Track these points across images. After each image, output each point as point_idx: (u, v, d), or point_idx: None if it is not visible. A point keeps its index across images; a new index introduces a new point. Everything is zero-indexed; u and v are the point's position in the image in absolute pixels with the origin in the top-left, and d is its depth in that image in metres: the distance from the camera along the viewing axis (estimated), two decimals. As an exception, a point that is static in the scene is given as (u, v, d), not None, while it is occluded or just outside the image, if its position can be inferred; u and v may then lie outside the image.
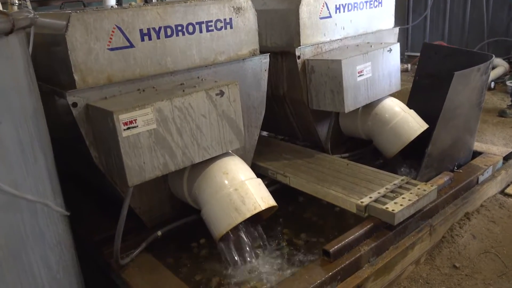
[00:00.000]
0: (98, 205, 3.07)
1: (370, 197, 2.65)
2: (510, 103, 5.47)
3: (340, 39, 3.54)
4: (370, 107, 3.50)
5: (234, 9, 2.72)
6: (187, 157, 2.30)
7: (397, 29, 4.02)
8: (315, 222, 3.13)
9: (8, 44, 1.42)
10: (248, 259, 2.59)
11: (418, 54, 3.87)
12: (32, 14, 1.74)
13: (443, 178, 3.06)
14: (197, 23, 2.57)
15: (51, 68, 2.46)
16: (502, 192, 3.43)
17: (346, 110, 3.19)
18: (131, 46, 2.36)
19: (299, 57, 3.26)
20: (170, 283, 2.26)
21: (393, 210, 2.50)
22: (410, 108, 3.52)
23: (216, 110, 2.36)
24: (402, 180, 2.84)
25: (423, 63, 3.79)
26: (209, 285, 2.53)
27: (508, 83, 6.07)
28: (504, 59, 6.99)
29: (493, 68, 6.54)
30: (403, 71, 7.10)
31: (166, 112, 2.17)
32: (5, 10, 1.99)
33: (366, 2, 3.65)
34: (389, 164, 3.58)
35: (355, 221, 2.78)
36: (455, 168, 3.34)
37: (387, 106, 3.51)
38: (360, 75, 3.22)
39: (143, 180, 2.18)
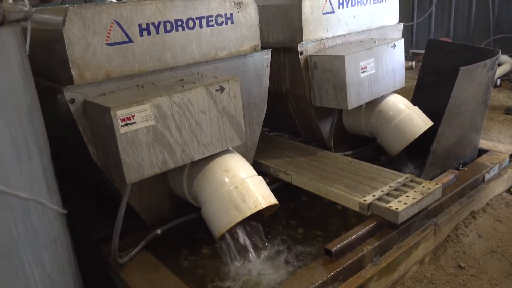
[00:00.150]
0: (98, 203, 3.04)
1: (373, 196, 2.61)
2: (517, 101, 5.40)
3: (343, 35, 3.49)
4: (373, 104, 3.46)
5: (235, 4, 2.67)
6: (186, 154, 2.27)
7: (401, 25, 3.96)
8: (318, 219, 3.10)
9: (-1, 37, 1.38)
10: (249, 258, 2.55)
11: (423, 51, 3.81)
12: (27, 8, 1.70)
13: (448, 176, 3.02)
14: (197, 18, 2.53)
15: (50, 64, 2.43)
16: (509, 190, 3.38)
17: (349, 107, 3.15)
18: (130, 41, 2.32)
19: (301, 53, 3.22)
20: (170, 283, 2.22)
21: (396, 208, 2.45)
22: (415, 105, 3.48)
23: (216, 106, 2.32)
24: (406, 178, 2.79)
25: (428, 59, 3.73)
26: (209, 284, 2.50)
27: (514, 80, 6.00)
28: (510, 56, 6.90)
29: (499, 65, 6.46)
30: (408, 68, 7.03)
31: (165, 108, 2.14)
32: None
33: (370, -3, 3.60)
34: (393, 162, 3.54)
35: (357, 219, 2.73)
36: (461, 166, 3.29)
37: (391, 103, 3.46)
38: (364, 71, 3.17)
39: (142, 178, 2.14)
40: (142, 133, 2.08)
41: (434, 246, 2.72)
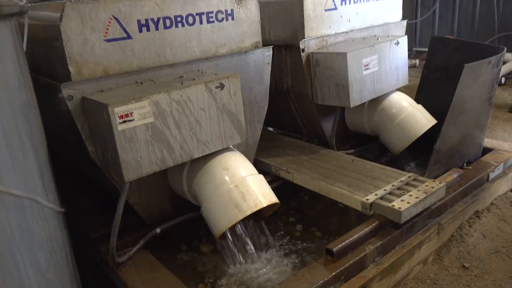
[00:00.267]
0: (99, 202, 3.01)
1: (376, 194, 2.57)
2: (521, 99, 5.35)
3: (346, 32, 3.44)
4: (376, 102, 3.42)
5: (235, -1, 2.64)
6: (185, 152, 2.24)
7: (405, 22, 3.92)
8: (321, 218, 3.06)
9: (-9, 31, 1.36)
10: (249, 257, 2.52)
11: (427, 49, 3.76)
12: (23, 2, 1.67)
13: (452, 175, 2.98)
14: (197, 14, 2.49)
15: (48, 61, 2.40)
16: (513, 190, 3.33)
17: (352, 105, 3.11)
18: (129, 37, 2.29)
19: (303, 50, 3.18)
20: (168, 282, 2.19)
21: (399, 208, 2.41)
22: (418, 103, 3.44)
23: (216, 103, 2.29)
24: (409, 177, 2.76)
25: (432, 57, 3.69)
26: (209, 284, 2.47)
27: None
28: (515, 54, 6.83)
29: (504, 63, 6.39)
30: (411, 66, 6.97)
31: (163, 105, 2.10)
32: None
33: (373, -7, 3.55)
34: (396, 160, 3.50)
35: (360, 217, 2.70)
36: (465, 164, 3.25)
37: (394, 101, 3.42)
38: (366, 69, 3.13)
39: (140, 176, 2.12)
40: (140, 131, 2.05)
41: (438, 246, 2.68)
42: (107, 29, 2.20)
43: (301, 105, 3.59)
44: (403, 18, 3.94)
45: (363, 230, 2.39)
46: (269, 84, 2.95)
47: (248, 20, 2.73)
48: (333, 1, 3.28)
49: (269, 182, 2.51)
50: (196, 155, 2.28)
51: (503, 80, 6.24)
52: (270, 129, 4.38)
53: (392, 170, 2.90)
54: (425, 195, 2.52)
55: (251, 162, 2.55)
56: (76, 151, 2.57)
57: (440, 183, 2.66)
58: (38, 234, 1.54)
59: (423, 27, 8.46)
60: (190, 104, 2.20)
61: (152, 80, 2.36)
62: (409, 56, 3.60)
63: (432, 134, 3.10)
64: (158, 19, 2.36)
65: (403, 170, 2.97)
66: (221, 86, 2.29)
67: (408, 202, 2.46)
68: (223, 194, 2.27)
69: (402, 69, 3.47)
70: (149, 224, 2.61)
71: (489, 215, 3.03)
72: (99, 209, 2.88)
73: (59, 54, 2.16)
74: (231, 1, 2.61)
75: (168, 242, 2.66)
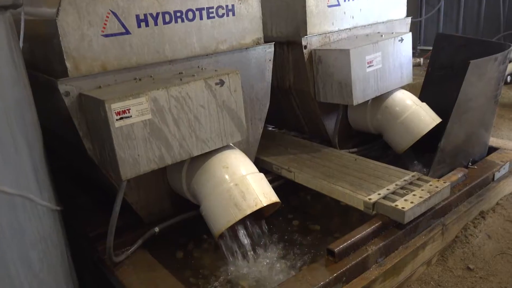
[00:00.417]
0: (98, 200, 2.98)
1: (379, 194, 2.52)
2: (527, 98, 5.28)
3: (349, 29, 3.39)
4: (380, 100, 3.37)
5: (236, -5, 2.59)
6: (184, 150, 2.19)
7: (409, 19, 3.86)
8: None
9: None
10: (249, 257, 2.48)
11: (431, 48, 3.71)
12: (17, -4, 1.62)
13: (457, 175, 2.93)
14: (197, 9, 2.45)
15: (45, 57, 2.36)
16: (519, 190, 3.28)
17: (355, 103, 3.06)
18: (127, 32, 2.25)
19: (305, 47, 3.13)
20: (166, 282, 2.15)
21: (403, 207, 2.37)
22: (422, 101, 3.39)
23: (215, 100, 2.25)
24: (413, 176, 2.71)
25: (436, 54, 3.63)
26: (208, 284, 2.43)
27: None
28: (521, 53, 6.75)
29: (510, 61, 6.31)
30: (415, 65, 6.91)
31: (162, 101, 2.06)
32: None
33: (377, -10, 3.50)
34: (400, 159, 3.45)
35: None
36: (470, 164, 3.20)
37: (398, 99, 3.37)
38: (370, 66, 3.08)
39: (138, 174, 2.08)
40: (138, 128, 2.02)
41: (442, 247, 2.64)
42: (105, 24, 2.16)
43: (303, 103, 3.54)
44: (407, 16, 3.89)
45: (365, 230, 2.34)
46: (270, 81, 2.90)
47: (249, 15, 2.68)
48: (336, -3, 3.23)
49: (270, 181, 2.48)
50: (196, 153, 2.24)
51: (508, 78, 6.16)
52: (272, 127, 4.34)
53: (396, 169, 2.85)
54: (429, 195, 2.47)
55: (252, 161, 2.51)
56: (74, 148, 2.53)
57: (444, 182, 2.61)
58: (31, 233, 1.50)
59: (428, 25, 8.39)
60: (189, 101, 2.15)
61: (151, 76, 2.32)
62: (413, 55, 3.54)
63: (436, 133, 3.05)
64: (157, 14, 2.32)
65: (407, 169, 2.91)
66: (221, 83, 2.24)
67: (411, 202, 2.41)
68: (222, 192, 2.23)
69: (406, 66, 3.41)
70: (147, 223, 2.57)
71: (495, 215, 2.98)
72: (97, 207, 2.84)
73: (56, 49, 2.12)
74: (232, -4, 2.57)
75: (167, 241, 2.62)
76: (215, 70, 2.37)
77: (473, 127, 3.19)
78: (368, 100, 3.27)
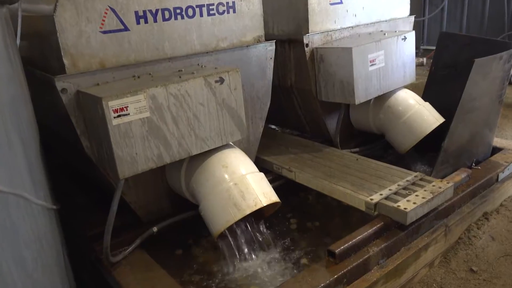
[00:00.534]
0: (96, 199, 2.95)
1: (381, 194, 2.49)
2: (532, 98, 5.23)
3: (352, 27, 3.36)
4: (382, 99, 3.33)
5: (237, -8, 2.56)
6: (183, 149, 2.16)
7: (412, 18, 3.82)
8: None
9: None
10: (249, 257, 2.45)
11: (434, 47, 3.67)
12: (13, -10, 1.60)
13: (460, 175, 2.89)
14: (197, 6, 2.42)
15: (43, 53, 2.34)
16: (524, 191, 3.23)
17: (357, 102, 3.03)
18: (126, 29, 2.22)
19: (307, 45, 3.10)
20: (164, 283, 2.12)
21: (405, 208, 2.33)
22: (426, 100, 3.36)
23: (215, 98, 2.22)
24: (415, 176, 2.67)
25: (440, 53, 3.59)
26: (207, 283, 2.40)
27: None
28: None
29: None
30: (418, 65, 6.86)
31: (160, 99, 2.03)
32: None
33: (380, -13, 3.46)
34: (402, 159, 3.42)
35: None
36: (473, 164, 3.17)
37: (400, 98, 3.33)
38: (372, 65, 3.04)
39: (136, 172, 2.05)
40: (136, 126, 1.99)
41: (445, 249, 2.61)
42: (103, 20, 2.13)
43: (304, 102, 3.51)
44: (411, 15, 3.84)
45: (366, 231, 2.31)
46: (271, 80, 2.87)
47: (250, 13, 2.65)
48: (339, -6, 3.19)
49: (271, 181, 2.45)
50: (195, 152, 2.21)
51: (512, 79, 6.10)
52: (273, 126, 4.31)
53: (398, 170, 2.81)
54: (432, 196, 2.44)
55: (252, 160, 2.48)
56: (72, 146, 2.50)
57: (447, 183, 2.57)
58: (25, 232, 1.46)
59: (431, 24, 8.34)
60: (188, 99, 2.12)
61: (150, 74, 2.29)
62: (417, 54, 3.52)
63: (440, 133, 3.02)
64: (157, 10, 2.29)
65: (410, 169, 2.88)
66: (221, 81, 2.21)
67: (414, 203, 2.38)
68: (222, 192, 2.19)
69: (409, 65, 3.38)
70: (146, 223, 2.54)
71: (498, 216, 2.94)
72: (96, 206, 2.81)
73: (53, 46, 2.09)
74: (232, -7, 2.54)
75: (165, 241, 2.59)
76: (215, 68, 2.33)
77: (477, 127, 3.15)
78: (371, 99, 3.23)
